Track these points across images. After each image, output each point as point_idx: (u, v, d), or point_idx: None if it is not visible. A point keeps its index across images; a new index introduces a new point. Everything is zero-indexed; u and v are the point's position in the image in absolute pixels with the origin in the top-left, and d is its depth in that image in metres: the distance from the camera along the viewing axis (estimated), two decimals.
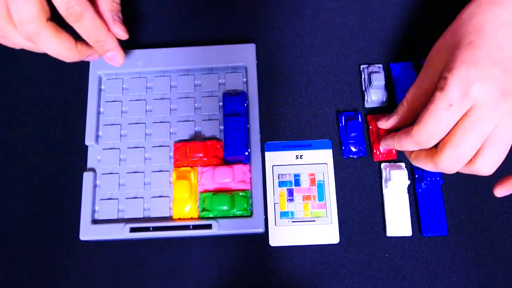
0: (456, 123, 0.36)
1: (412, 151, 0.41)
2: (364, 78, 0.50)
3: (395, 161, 0.47)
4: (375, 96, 0.48)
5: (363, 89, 0.49)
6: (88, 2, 0.38)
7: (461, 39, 0.37)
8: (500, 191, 0.40)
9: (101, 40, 0.41)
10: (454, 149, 0.36)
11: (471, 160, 0.37)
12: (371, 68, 0.49)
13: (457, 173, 0.47)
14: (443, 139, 0.37)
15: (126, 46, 0.51)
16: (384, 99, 0.49)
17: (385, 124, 0.45)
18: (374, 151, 0.47)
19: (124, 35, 0.44)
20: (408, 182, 0.45)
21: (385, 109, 0.49)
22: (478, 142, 0.35)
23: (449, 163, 0.37)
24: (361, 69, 0.50)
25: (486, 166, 0.36)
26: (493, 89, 0.34)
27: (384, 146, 0.46)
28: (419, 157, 0.40)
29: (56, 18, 0.38)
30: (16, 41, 0.39)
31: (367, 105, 0.49)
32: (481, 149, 0.36)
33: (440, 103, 0.35)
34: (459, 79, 0.35)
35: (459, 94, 0.35)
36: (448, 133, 0.36)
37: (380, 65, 0.50)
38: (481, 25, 0.36)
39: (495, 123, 0.35)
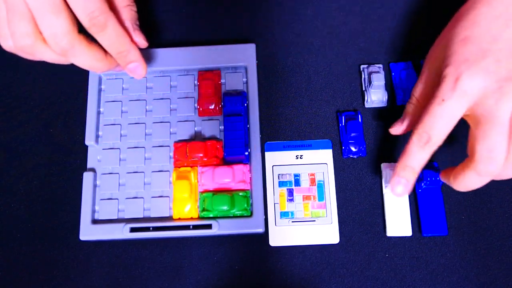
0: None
1: (449, 176, 0.39)
2: (364, 78, 0.50)
3: (395, 162, 0.47)
4: (375, 96, 0.48)
5: (363, 89, 0.49)
6: (110, 11, 0.37)
7: (456, 34, 0.37)
8: (442, 178, 0.41)
9: (124, 50, 0.39)
10: (483, 145, 0.35)
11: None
12: (371, 68, 0.49)
13: None
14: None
15: None
16: (384, 99, 0.49)
17: (401, 127, 0.43)
18: None
19: (144, 43, 0.42)
20: None
21: (385, 109, 0.49)
22: (502, 129, 0.34)
23: (485, 159, 0.35)
24: (361, 69, 0.50)
25: None
26: (485, 79, 0.34)
27: (396, 186, 0.39)
28: (457, 176, 0.38)
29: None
30: (45, 56, 0.38)
31: (367, 105, 0.49)
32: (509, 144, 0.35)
33: (435, 99, 0.36)
34: (450, 75, 0.35)
35: (449, 88, 0.35)
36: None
37: (380, 65, 0.50)
38: (476, 18, 0.37)
39: (507, 108, 0.34)
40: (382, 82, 0.47)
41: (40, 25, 0.35)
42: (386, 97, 0.49)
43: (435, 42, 0.41)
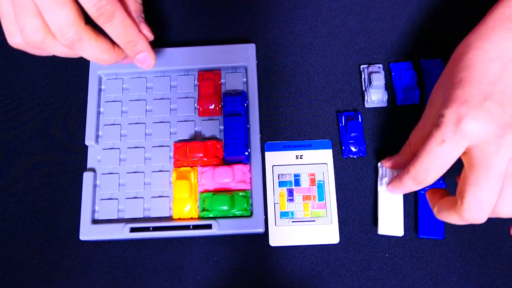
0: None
1: (434, 203, 0.39)
2: (364, 78, 0.50)
3: None
4: (375, 96, 0.48)
5: (363, 89, 0.49)
6: (117, 1, 0.37)
7: (453, 77, 0.36)
8: (428, 197, 0.41)
9: (133, 40, 0.39)
10: (473, 193, 0.34)
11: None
12: (371, 68, 0.49)
13: (459, 172, 0.47)
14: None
15: None
16: (384, 99, 0.49)
17: (388, 163, 0.45)
18: None
19: (150, 36, 0.42)
20: None
21: (385, 109, 0.49)
22: (496, 180, 0.34)
23: (473, 208, 0.34)
24: (361, 69, 0.50)
25: (507, 206, 0.35)
26: (489, 124, 0.33)
27: (390, 192, 0.44)
28: (441, 210, 0.38)
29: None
30: (56, 50, 0.38)
31: (367, 105, 0.49)
32: (500, 189, 0.34)
33: (434, 138, 0.35)
34: (452, 116, 0.34)
35: (451, 129, 0.34)
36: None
37: (380, 65, 0.50)
38: (471, 61, 0.36)
39: (506, 158, 0.34)
40: (382, 82, 0.47)
41: (46, 18, 0.35)
42: (386, 97, 0.49)
43: (434, 87, 0.40)
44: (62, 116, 0.50)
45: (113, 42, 0.39)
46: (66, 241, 0.46)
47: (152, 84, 0.49)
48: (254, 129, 0.47)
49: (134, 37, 0.39)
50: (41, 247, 0.46)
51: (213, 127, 0.48)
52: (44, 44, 0.36)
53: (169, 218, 0.45)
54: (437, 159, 0.35)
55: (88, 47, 0.37)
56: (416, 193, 0.46)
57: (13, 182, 0.48)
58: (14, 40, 0.37)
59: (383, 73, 0.49)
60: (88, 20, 0.37)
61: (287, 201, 0.46)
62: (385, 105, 0.49)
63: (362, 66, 0.50)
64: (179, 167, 0.46)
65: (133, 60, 0.42)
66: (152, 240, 0.46)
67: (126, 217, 0.46)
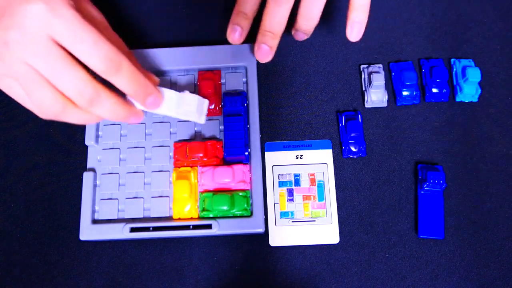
0: None
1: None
2: (364, 78, 0.50)
3: (395, 161, 0.48)
4: (375, 96, 0.48)
5: (363, 89, 0.49)
6: (119, 51, 0.35)
7: None
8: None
9: (141, 86, 0.37)
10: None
11: None
12: (371, 68, 0.49)
13: (459, 175, 0.47)
14: None
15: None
16: (384, 99, 0.49)
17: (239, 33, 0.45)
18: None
19: (157, 79, 0.41)
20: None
21: (385, 109, 0.49)
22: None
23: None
24: (361, 69, 0.50)
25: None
26: None
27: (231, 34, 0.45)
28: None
29: None
30: (75, 118, 0.35)
31: (367, 105, 0.49)
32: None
33: None
34: None
35: None
36: None
37: (380, 65, 0.50)
38: None
39: None
40: (382, 82, 0.47)
41: (60, 84, 0.33)
42: (386, 97, 0.49)
43: None
44: None
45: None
46: (66, 241, 0.46)
47: None
48: (254, 129, 0.47)
49: (141, 81, 0.37)
50: (41, 247, 0.46)
51: (213, 127, 0.48)
52: (64, 114, 0.35)
53: (169, 218, 0.45)
54: None
55: (106, 102, 0.35)
56: (416, 193, 0.46)
57: (13, 182, 0.48)
58: (41, 114, 0.35)
59: (383, 73, 0.49)
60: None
61: (287, 201, 0.46)
62: (385, 105, 0.49)
63: (362, 66, 0.50)
64: (179, 167, 0.46)
65: (142, 106, 0.39)
66: (152, 240, 0.46)
67: (126, 217, 0.46)
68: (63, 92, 0.33)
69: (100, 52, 0.33)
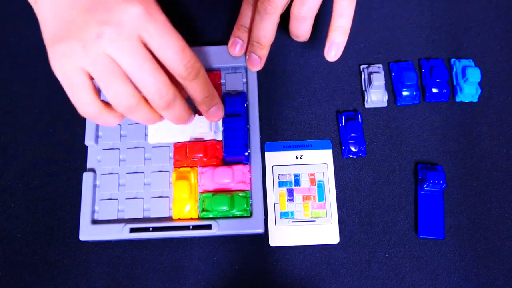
0: None
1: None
2: (364, 78, 0.49)
3: (395, 162, 0.48)
4: (375, 96, 0.48)
5: (363, 89, 0.49)
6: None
7: None
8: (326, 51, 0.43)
9: (210, 94, 0.40)
10: None
11: None
12: (371, 68, 0.49)
13: (459, 175, 0.47)
14: None
15: None
16: (384, 99, 0.49)
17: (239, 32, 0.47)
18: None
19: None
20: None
21: (385, 109, 0.49)
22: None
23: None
24: (361, 69, 0.50)
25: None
26: None
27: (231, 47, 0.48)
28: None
29: None
30: (140, 115, 0.37)
31: (367, 105, 0.49)
32: None
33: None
34: None
35: None
36: None
37: (380, 65, 0.50)
38: None
39: None
40: (382, 82, 0.47)
41: (141, 84, 0.35)
42: (386, 97, 0.49)
43: None
44: (62, 116, 0.50)
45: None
46: (66, 241, 0.46)
47: None
48: (254, 129, 0.47)
49: (211, 91, 0.40)
50: (41, 247, 0.46)
51: None
52: (135, 108, 0.36)
53: (169, 219, 0.45)
54: None
55: (178, 106, 0.37)
56: (416, 193, 0.46)
57: (13, 182, 0.48)
58: (88, 109, 0.36)
59: (383, 73, 0.49)
60: None
61: (287, 201, 0.46)
62: (385, 105, 0.49)
63: (362, 66, 0.50)
64: (179, 168, 0.46)
65: (204, 115, 0.43)
66: (152, 241, 0.46)
67: (126, 217, 0.46)
68: (144, 91, 0.35)
69: (185, 59, 0.35)
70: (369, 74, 0.49)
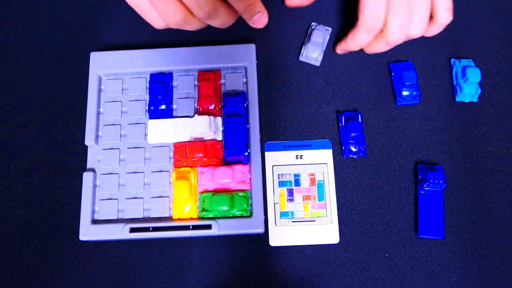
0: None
1: (346, 40, 0.47)
2: (309, 34, 0.50)
3: (396, 163, 0.48)
4: (311, 52, 0.50)
5: (304, 43, 0.51)
6: None
7: None
8: (339, 49, 0.49)
9: (252, 3, 0.41)
10: (395, 16, 0.42)
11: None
12: (317, 27, 0.51)
13: (459, 175, 0.47)
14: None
15: (126, 46, 0.51)
16: (318, 59, 0.50)
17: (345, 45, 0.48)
18: None
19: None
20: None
21: (386, 109, 0.49)
22: (407, 5, 0.42)
23: (395, 31, 0.43)
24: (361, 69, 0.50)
25: (415, 28, 0.44)
26: None
27: (340, 52, 0.50)
28: (371, 44, 0.46)
29: None
30: (192, 26, 0.41)
31: (301, 59, 0.51)
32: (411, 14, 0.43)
33: None
34: None
35: None
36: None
37: (330, 28, 0.50)
38: None
39: None
40: (321, 40, 0.50)
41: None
42: (321, 57, 0.50)
43: None
44: (62, 116, 0.50)
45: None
46: (66, 241, 0.46)
47: None
48: (254, 129, 0.47)
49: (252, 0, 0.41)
50: (41, 247, 0.46)
51: None
52: (184, 22, 0.39)
53: (169, 218, 0.45)
54: (377, 4, 0.42)
55: (220, 15, 0.39)
56: (416, 193, 0.46)
57: (13, 182, 0.48)
58: (160, 23, 0.40)
59: (327, 33, 0.51)
60: None
61: (287, 201, 0.46)
62: (318, 64, 0.49)
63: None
64: (179, 167, 0.46)
65: (248, 22, 0.43)
66: (152, 240, 0.46)
67: (126, 217, 0.46)
68: (186, 4, 0.38)
69: None
70: (311, 31, 0.50)
